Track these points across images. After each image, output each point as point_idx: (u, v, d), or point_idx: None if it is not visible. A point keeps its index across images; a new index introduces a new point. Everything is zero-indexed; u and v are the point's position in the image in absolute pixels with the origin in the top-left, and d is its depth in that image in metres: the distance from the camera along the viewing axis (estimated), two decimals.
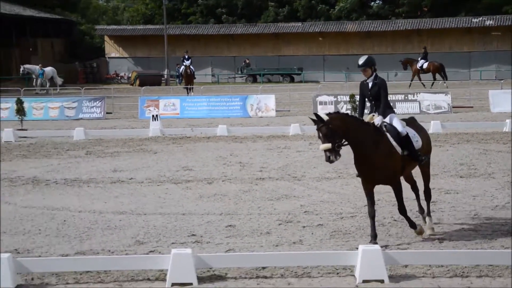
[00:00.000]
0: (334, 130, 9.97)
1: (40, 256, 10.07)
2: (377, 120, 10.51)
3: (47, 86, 47.93)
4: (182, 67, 43.47)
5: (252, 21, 68.92)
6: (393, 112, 10.84)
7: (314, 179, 15.90)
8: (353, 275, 8.94)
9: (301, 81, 59.18)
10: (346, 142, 10.16)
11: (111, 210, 13.18)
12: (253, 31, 65.39)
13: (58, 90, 46.93)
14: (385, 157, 10.24)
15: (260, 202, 13.69)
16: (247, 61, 62.70)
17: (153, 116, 26.62)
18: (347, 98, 30.04)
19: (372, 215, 10.38)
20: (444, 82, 45.41)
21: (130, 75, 62.74)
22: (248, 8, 70.49)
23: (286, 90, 43.04)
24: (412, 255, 9.26)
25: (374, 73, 10.76)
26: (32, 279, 8.98)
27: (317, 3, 68.66)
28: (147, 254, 10.10)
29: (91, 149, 22.01)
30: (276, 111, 32.57)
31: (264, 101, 32.92)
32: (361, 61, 10.75)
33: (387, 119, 10.62)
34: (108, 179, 16.45)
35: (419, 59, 47.52)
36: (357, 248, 9.09)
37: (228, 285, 8.75)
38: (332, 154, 10.02)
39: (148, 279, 8.98)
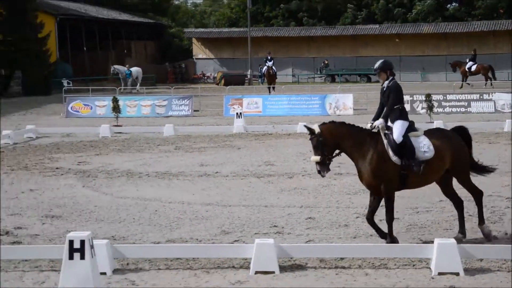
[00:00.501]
0: (324, 143, 9.63)
1: (134, 243, 10.30)
2: (377, 122, 9.92)
3: (137, 85, 48.79)
4: (265, 67, 43.58)
5: (331, 23, 68.53)
6: (404, 119, 9.87)
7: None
8: (429, 268, 8.80)
9: (378, 81, 58.42)
10: (338, 152, 9.84)
11: (199, 202, 13.36)
12: (332, 33, 65.03)
13: (139, 89, 47.67)
14: (375, 164, 9.61)
15: (338, 196, 13.63)
16: (326, 62, 62.40)
17: (237, 113, 26.83)
18: (423, 98, 29.53)
19: (368, 218, 9.85)
20: (491, 84, 44.11)
21: (215, 75, 63.42)
22: (327, 11, 70.14)
23: (363, 90, 42.60)
24: (487, 249, 9.04)
25: (390, 77, 10.10)
26: (127, 264, 9.18)
27: (394, 7, 67.73)
28: (232, 243, 10.19)
29: (180, 144, 22.35)
30: (354, 109, 32.29)
31: (342, 100, 32.71)
32: (376, 65, 10.17)
33: (393, 125, 9.85)
34: (195, 173, 16.67)
35: (467, 60, 46.53)
36: (432, 242, 8.94)
37: (308, 274, 8.74)
38: (322, 168, 9.72)
39: (233, 267, 9.07)
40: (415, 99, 31.54)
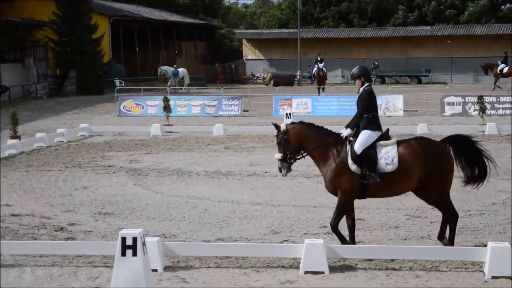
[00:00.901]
0: (288, 142, 9.65)
1: (184, 241, 10.37)
2: (345, 133, 9.72)
3: (183, 85, 49.05)
4: (315, 68, 43.38)
5: (382, 24, 67.94)
6: (373, 128, 9.57)
7: None
8: (482, 271, 8.63)
9: (428, 83, 57.68)
10: (303, 154, 9.74)
11: (248, 201, 13.38)
12: (382, 34, 64.42)
13: (187, 88, 47.95)
14: (334, 171, 9.51)
15: (389, 197, 13.45)
16: (376, 63, 61.83)
17: (286, 114, 26.81)
18: (475, 99, 29.03)
19: (331, 224, 9.65)
20: None
21: (265, 76, 63.44)
22: (377, 13, 69.55)
23: (413, 91, 42.11)
24: None
25: (366, 84, 9.90)
26: (178, 261, 9.25)
27: (445, 8, 66.76)
28: (281, 243, 10.17)
29: (229, 144, 22.42)
30: (404, 111, 31.92)
31: (392, 101, 32.36)
32: (352, 71, 10.14)
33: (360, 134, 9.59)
34: (245, 172, 16.71)
35: (499, 63, 45.56)
36: (485, 245, 8.77)
37: (358, 275, 8.67)
38: (283, 166, 9.71)
39: (283, 267, 9.04)
40: (467, 101, 31.02)
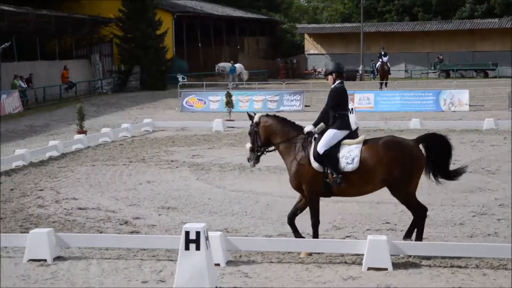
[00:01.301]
0: (258, 134, 9.82)
1: (247, 235, 10.42)
2: (306, 128, 9.71)
3: (237, 81, 49.12)
4: (379, 62, 42.90)
5: (447, 18, 66.68)
6: (339, 127, 9.48)
7: (509, 173, 15.07)
8: None
9: (495, 77, 56.35)
10: (273, 147, 9.80)
11: None
12: (448, 28, 63.20)
13: (244, 84, 48.04)
14: (296, 167, 9.52)
15: (454, 194, 13.23)
16: (441, 57, 60.77)
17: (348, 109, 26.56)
18: None
19: (288, 217, 9.75)
20: None
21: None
22: (442, 6, 68.29)
23: (480, 86, 41.23)
24: None
25: (337, 81, 9.78)
26: (240, 256, 9.29)
27: None
28: (344, 239, 10.11)
29: None
30: (470, 105, 31.30)
31: (457, 96, 31.77)
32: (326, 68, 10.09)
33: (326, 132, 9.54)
34: None
35: None
36: None
37: (422, 272, 8.54)
38: (251, 157, 9.92)
39: (345, 263, 8.99)
40: None
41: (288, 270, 8.74)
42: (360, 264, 8.78)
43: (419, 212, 9.49)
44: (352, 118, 25.34)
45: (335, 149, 9.42)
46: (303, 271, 8.68)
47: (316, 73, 66.37)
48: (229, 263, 8.97)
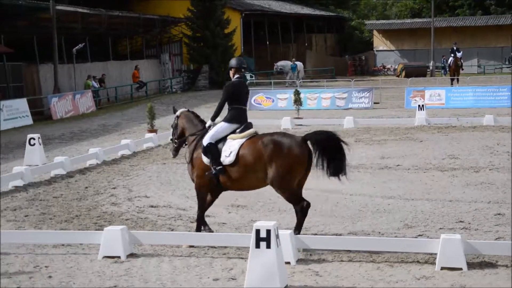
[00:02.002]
0: (177, 126, 10.63)
1: (316, 234, 10.38)
2: (207, 123, 10.38)
3: (297, 79, 48.81)
4: (451, 58, 42.03)
5: None
6: (229, 121, 10.05)
7: None
8: None
9: None
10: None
11: (380, 195, 13.20)
12: None
13: (301, 82, 47.69)
14: (192, 160, 10.18)
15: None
16: None
17: (419, 106, 26.21)
18: None
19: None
20: None
21: (396, 67, 62.34)
22: None
23: None
24: None
25: (236, 75, 10.46)
26: (311, 254, 9.27)
27: None
28: (416, 237, 9.96)
29: (360, 136, 22.21)
30: None
31: None
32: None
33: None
34: (376, 165, 16.50)
35: None
36: None
37: (499, 272, 8.33)
38: (171, 147, 10.86)
39: (418, 262, 8.85)
40: None
41: (359, 269, 8.66)
42: (433, 263, 8.63)
43: (303, 208, 9.73)
44: (422, 114, 25.24)
45: (220, 142, 9.95)
46: (374, 270, 8.59)
47: (385, 69, 65.64)
48: (299, 261, 8.95)
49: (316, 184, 14.37)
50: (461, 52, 41.71)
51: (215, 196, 10.43)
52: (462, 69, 42.34)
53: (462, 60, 41.52)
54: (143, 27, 47.09)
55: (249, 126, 10.11)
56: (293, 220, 11.34)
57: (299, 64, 50.71)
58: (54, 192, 14.16)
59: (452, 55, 41.44)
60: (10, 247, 9.91)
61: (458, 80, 40.02)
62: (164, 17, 49.23)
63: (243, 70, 10.47)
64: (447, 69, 45.84)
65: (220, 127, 10.04)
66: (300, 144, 9.63)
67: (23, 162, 17.79)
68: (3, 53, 32.57)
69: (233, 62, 10.47)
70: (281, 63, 51.19)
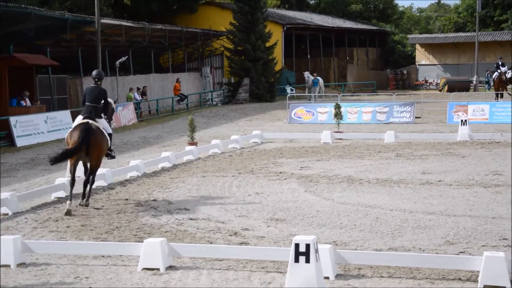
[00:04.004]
0: None
1: (356, 249, 10.30)
2: None
3: (320, 93, 48.33)
4: (496, 73, 41.40)
5: None
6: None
7: None
8: None
9: None
10: None
11: (421, 210, 13.06)
12: None
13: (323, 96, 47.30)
14: None
15: None
16: None
17: (461, 121, 25.90)
18: None
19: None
20: None
21: (438, 82, 61.76)
22: None
23: None
24: None
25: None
26: (349, 270, 9.20)
27: None
28: (457, 254, 9.81)
29: (401, 151, 22.02)
30: None
31: None
32: None
33: None
34: (417, 181, 16.33)
35: None
36: None
37: None
38: None
39: (459, 279, 8.72)
40: None
41: (399, 285, 8.57)
42: (475, 281, 8.49)
43: None
44: (464, 129, 24.94)
45: None
46: (415, 286, 8.49)
47: (428, 84, 65.10)
48: (338, 276, 8.89)
49: (356, 198, 14.37)
50: (506, 67, 41.08)
51: None
52: (508, 84, 41.49)
53: (507, 75, 40.78)
54: (185, 40, 47.54)
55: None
56: (333, 234, 11.30)
57: (321, 80, 50.37)
58: (95, 204, 14.33)
59: (498, 70, 40.85)
60: (52, 257, 10.05)
61: (502, 95, 39.43)
62: (206, 30, 49.63)
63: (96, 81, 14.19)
64: (491, 84, 45.22)
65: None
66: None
67: (66, 173, 18.04)
68: (48, 66, 33.18)
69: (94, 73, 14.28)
70: (307, 73, 50.60)
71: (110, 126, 14.70)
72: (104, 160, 14.78)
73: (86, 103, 13.81)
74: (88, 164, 13.98)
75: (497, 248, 10.01)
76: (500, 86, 40.45)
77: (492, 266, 8.29)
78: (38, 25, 30.19)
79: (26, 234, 11.61)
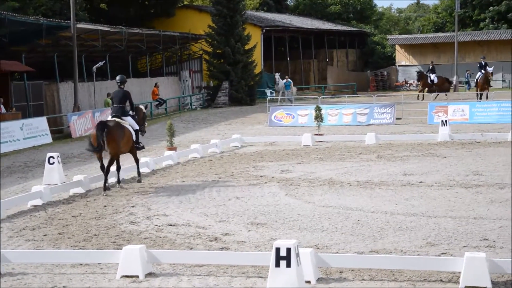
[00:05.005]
0: None
1: (337, 252, 10.32)
2: None
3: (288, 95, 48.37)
4: (479, 73, 41.63)
5: None
6: None
7: None
8: None
9: None
10: None
11: (402, 212, 13.11)
12: None
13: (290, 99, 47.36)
14: None
15: None
16: None
17: (442, 121, 26.07)
18: None
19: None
20: None
21: (419, 83, 62.11)
22: None
23: None
24: None
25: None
26: (331, 273, 9.21)
27: None
28: (439, 256, 9.86)
29: (382, 153, 22.12)
30: None
31: None
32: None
33: None
34: (398, 182, 16.40)
35: None
36: None
37: None
38: None
39: (441, 280, 8.76)
40: None
41: (381, 287, 8.59)
42: (456, 282, 8.54)
43: None
44: (445, 130, 25.12)
45: None
46: None
47: (408, 85, 65.49)
48: (320, 280, 8.90)
49: (337, 201, 14.40)
50: (493, 67, 41.22)
51: None
52: (490, 86, 41.68)
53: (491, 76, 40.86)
54: (163, 44, 47.44)
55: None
56: (314, 238, 11.32)
57: (292, 83, 50.30)
58: (72, 211, 14.24)
59: (482, 70, 40.98)
60: (29, 266, 9.96)
61: (487, 96, 39.63)
62: (184, 34, 49.58)
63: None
64: (474, 84, 45.43)
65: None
66: None
67: (42, 181, 17.93)
68: (23, 72, 32.96)
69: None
70: (278, 76, 50.10)
71: (144, 128, 17.99)
72: (80, 166, 14.79)
73: (114, 105, 16.82)
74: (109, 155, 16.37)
75: (478, 249, 10.08)
76: (485, 86, 40.71)
77: (473, 267, 8.34)
78: (12, 30, 29.99)
79: (2, 243, 11.50)
